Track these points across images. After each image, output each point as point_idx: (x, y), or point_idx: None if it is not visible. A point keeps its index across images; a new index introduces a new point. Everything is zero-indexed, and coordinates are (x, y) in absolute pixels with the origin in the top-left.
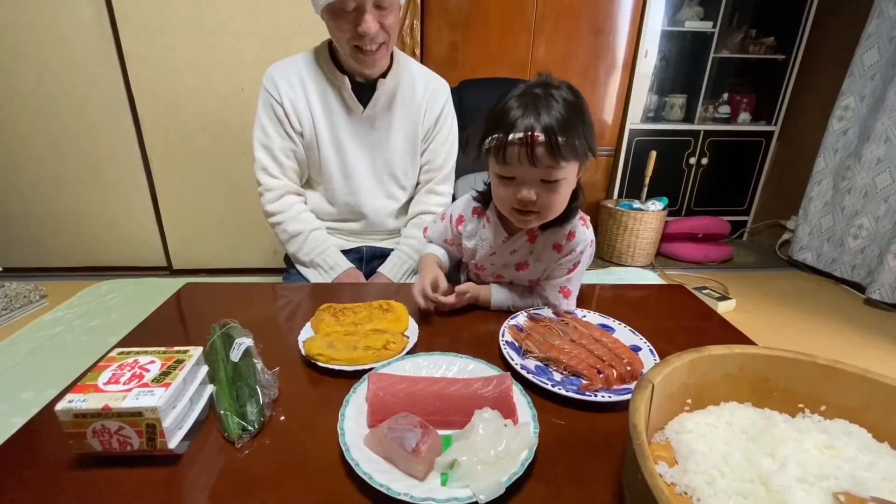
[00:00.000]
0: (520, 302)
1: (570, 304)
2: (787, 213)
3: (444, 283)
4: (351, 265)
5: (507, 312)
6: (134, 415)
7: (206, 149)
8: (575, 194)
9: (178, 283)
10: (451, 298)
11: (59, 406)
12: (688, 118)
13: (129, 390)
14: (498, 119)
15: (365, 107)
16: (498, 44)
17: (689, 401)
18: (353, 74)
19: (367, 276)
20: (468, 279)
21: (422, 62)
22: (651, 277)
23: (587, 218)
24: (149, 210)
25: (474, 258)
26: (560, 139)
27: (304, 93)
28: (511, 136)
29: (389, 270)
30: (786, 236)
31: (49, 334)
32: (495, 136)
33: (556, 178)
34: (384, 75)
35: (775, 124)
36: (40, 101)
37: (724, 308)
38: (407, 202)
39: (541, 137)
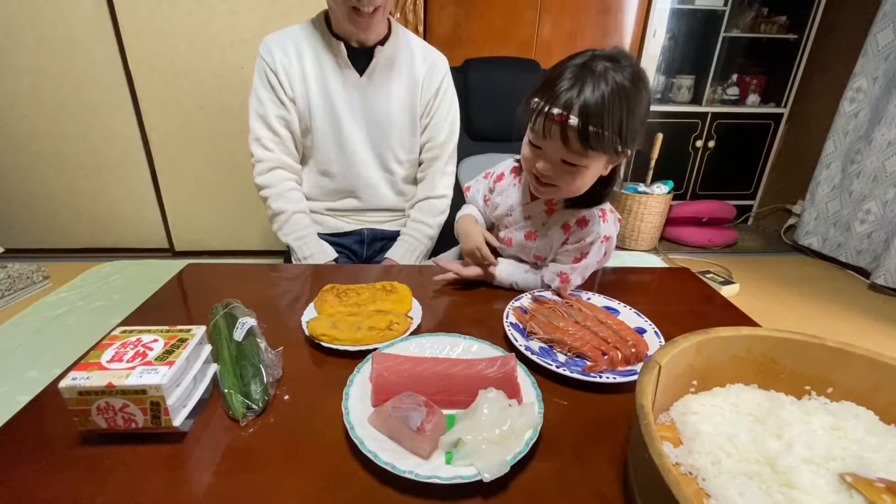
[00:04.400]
0: (522, 281)
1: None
2: (794, 198)
3: (490, 238)
4: (331, 259)
5: (511, 293)
6: (138, 392)
7: (206, 128)
8: (607, 181)
9: (179, 264)
10: (470, 271)
11: (62, 383)
12: (695, 100)
13: (133, 368)
14: (548, 84)
15: (361, 74)
16: (503, 22)
17: (694, 382)
18: (350, 41)
19: (370, 259)
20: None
21: (425, 40)
22: (654, 261)
23: (612, 215)
24: (149, 190)
25: (496, 212)
26: (592, 129)
27: (298, 59)
28: (548, 109)
29: (401, 257)
30: (791, 221)
31: (53, 315)
32: (538, 100)
33: (578, 164)
34: (382, 43)
35: (785, 106)
36: (37, 78)
37: (727, 292)
38: (406, 179)
39: (573, 121)
